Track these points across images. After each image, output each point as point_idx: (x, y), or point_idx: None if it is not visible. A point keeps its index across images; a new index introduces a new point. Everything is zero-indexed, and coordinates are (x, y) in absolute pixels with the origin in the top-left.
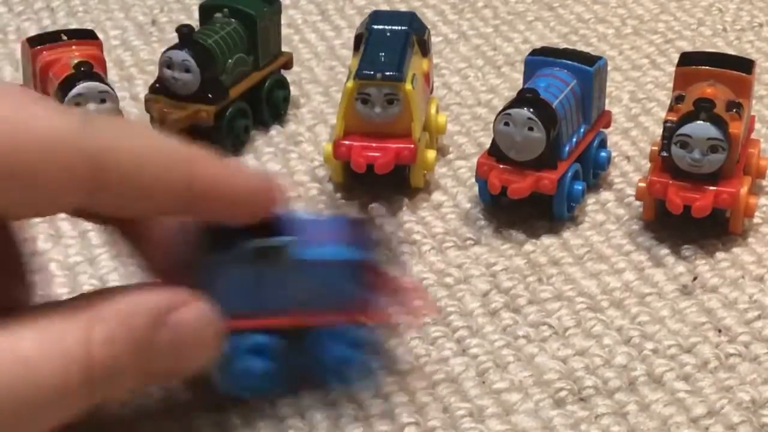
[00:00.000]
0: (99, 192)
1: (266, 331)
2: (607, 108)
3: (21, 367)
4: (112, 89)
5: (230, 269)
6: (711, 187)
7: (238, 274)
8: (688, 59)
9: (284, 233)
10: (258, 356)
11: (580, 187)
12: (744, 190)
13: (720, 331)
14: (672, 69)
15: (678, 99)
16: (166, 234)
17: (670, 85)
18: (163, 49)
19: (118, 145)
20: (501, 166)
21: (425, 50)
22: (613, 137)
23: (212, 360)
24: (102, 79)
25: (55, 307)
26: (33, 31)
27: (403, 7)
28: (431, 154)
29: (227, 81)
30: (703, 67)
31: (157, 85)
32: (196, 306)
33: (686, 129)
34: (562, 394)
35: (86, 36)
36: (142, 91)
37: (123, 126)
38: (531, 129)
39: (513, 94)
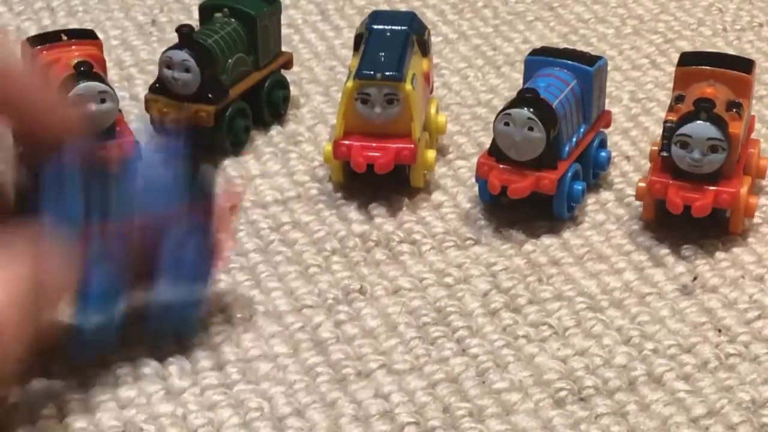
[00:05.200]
0: None
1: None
2: (607, 108)
3: None
4: (112, 89)
5: (66, 184)
6: (711, 187)
7: (76, 189)
8: (688, 59)
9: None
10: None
11: (580, 187)
12: (744, 190)
13: (720, 331)
14: (672, 69)
15: (678, 99)
16: None
17: (670, 85)
18: (163, 49)
19: None
20: (501, 166)
21: (425, 50)
22: (613, 137)
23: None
24: (102, 79)
25: None
26: (33, 31)
27: (403, 7)
28: (431, 154)
29: (227, 81)
30: (703, 67)
31: (157, 85)
32: (55, 252)
33: (686, 129)
34: (562, 394)
35: (86, 36)
36: (142, 91)
37: None
38: (531, 129)
39: (513, 94)
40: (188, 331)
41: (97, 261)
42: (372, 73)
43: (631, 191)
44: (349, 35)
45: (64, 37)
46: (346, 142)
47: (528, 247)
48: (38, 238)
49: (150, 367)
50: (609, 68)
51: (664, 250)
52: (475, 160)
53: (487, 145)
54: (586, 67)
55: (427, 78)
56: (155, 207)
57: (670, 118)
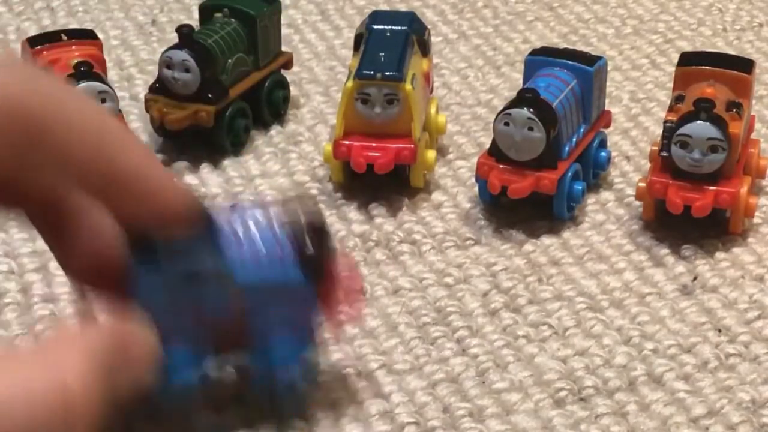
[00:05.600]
0: (31, 151)
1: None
2: (607, 108)
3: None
4: (112, 89)
5: (161, 289)
6: (711, 187)
7: (169, 294)
8: (688, 59)
9: (217, 247)
10: (191, 367)
11: (580, 187)
12: (744, 190)
13: (720, 331)
14: (672, 69)
15: (678, 99)
16: (90, 233)
17: (670, 85)
18: (163, 49)
19: (59, 106)
20: (501, 166)
21: (425, 50)
22: (613, 137)
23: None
24: (102, 79)
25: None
26: (33, 31)
27: (403, 7)
28: (431, 154)
29: (227, 81)
30: (703, 67)
31: (157, 85)
32: (143, 337)
33: (686, 129)
34: (562, 394)
35: (86, 36)
36: (142, 91)
37: (61, 87)
38: (531, 129)
39: (513, 94)
40: (292, 404)
41: (179, 355)
42: (372, 73)
43: (631, 191)
44: (349, 35)
45: (64, 37)
46: (346, 142)
47: (528, 247)
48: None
49: None
50: (609, 68)
51: (664, 250)
52: (475, 160)
53: (487, 145)
54: (586, 67)
55: (427, 78)
56: (255, 285)
57: (670, 118)
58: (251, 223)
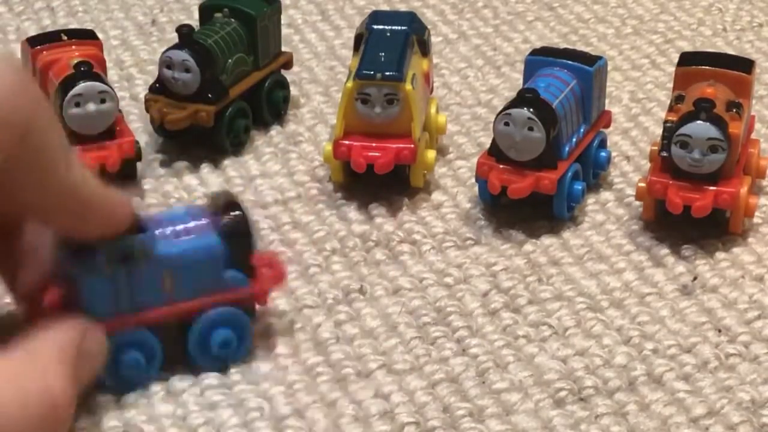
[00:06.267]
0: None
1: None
2: (607, 108)
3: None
4: (112, 89)
5: (90, 279)
6: (711, 187)
7: (98, 282)
8: (688, 59)
9: (136, 232)
10: (137, 351)
11: (580, 187)
12: (744, 190)
13: (720, 331)
14: (672, 69)
15: (678, 99)
16: (28, 250)
17: (670, 85)
18: (163, 49)
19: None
20: (501, 166)
21: (425, 50)
22: (613, 137)
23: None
24: (102, 79)
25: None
26: (33, 31)
27: (403, 7)
28: (431, 154)
29: (227, 81)
30: (703, 67)
31: (157, 85)
32: (93, 332)
33: (686, 129)
34: (562, 394)
35: (86, 36)
36: (142, 91)
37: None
38: (531, 129)
39: (513, 94)
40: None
41: (124, 349)
42: (372, 73)
43: (631, 191)
44: (349, 35)
45: (64, 37)
46: (346, 142)
47: (528, 247)
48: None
49: None
50: (609, 68)
51: (664, 250)
52: (475, 160)
53: (487, 145)
54: (586, 67)
55: (427, 78)
56: (188, 290)
57: (670, 118)
58: (181, 227)
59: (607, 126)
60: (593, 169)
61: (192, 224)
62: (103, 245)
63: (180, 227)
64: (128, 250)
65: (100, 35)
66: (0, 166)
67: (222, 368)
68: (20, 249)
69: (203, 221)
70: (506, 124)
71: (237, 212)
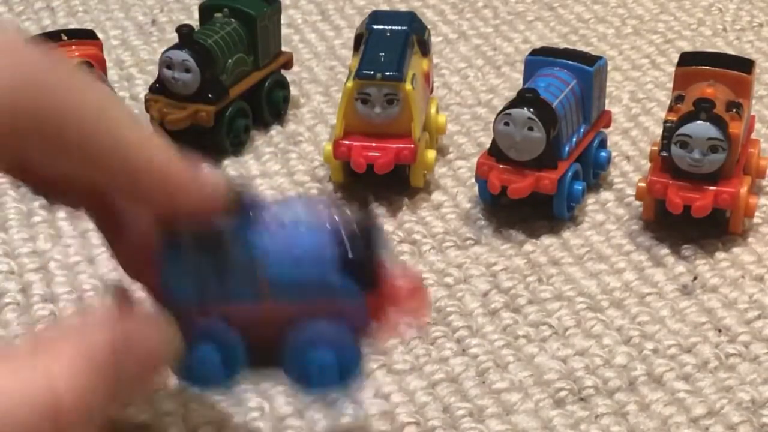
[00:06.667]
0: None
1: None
2: (607, 108)
3: None
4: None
5: (169, 263)
6: (711, 187)
7: (179, 267)
8: (688, 59)
9: (249, 238)
10: (216, 347)
11: (580, 187)
12: (744, 190)
13: (720, 331)
14: (672, 69)
15: (678, 99)
16: (136, 230)
17: (670, 85)
18: (163, 49)
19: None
20: (501, 166)
21: (425, 50)
22: (613, 137)
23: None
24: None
25: (11, 355)
26: (33, 31)
27: (403, 7)
28: (431, 154)
29: (227, 81)
30: (703, 67)
31: (157, 85)
32: (152, 329)
33: (686, 129)
34: (562, 394)
35: (86, 36)
36: (142, 91)
37: (77, 77)
38: (531, 129)
39: (513, 94)
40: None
41: (201, 343)
42: (372, 73)
43: (631, 191)
44: (349, 35)
45: (64, 37)
46: (346, 142)
47: (528, 247)
48: (129, 310)
49: None
50: (609, 68)
51: (664, 250)
52: (475, 160)
53: (487, 145)
54: (586, 67)
55: (427, 78)
56: (291, 292)
57: (670, 118)
58: (293, 218)
59: (607, 126)
60: (593, 169)
61: (304, 216)
62: (190, 227)
63: (288, 218)
64: (217, 236)
65: (100, 35)
66: (12, 125)
67: (319, 398)
68: (117, 220)
69: (318, 214)
70: (506, 124)
71: (362, 210)
